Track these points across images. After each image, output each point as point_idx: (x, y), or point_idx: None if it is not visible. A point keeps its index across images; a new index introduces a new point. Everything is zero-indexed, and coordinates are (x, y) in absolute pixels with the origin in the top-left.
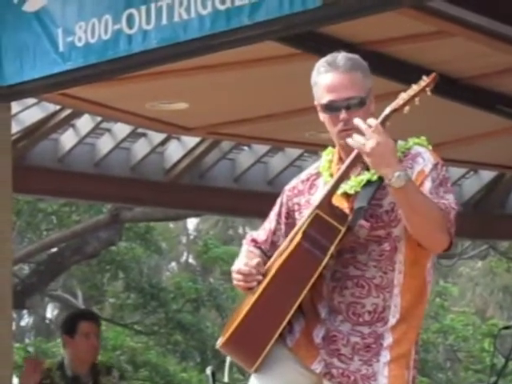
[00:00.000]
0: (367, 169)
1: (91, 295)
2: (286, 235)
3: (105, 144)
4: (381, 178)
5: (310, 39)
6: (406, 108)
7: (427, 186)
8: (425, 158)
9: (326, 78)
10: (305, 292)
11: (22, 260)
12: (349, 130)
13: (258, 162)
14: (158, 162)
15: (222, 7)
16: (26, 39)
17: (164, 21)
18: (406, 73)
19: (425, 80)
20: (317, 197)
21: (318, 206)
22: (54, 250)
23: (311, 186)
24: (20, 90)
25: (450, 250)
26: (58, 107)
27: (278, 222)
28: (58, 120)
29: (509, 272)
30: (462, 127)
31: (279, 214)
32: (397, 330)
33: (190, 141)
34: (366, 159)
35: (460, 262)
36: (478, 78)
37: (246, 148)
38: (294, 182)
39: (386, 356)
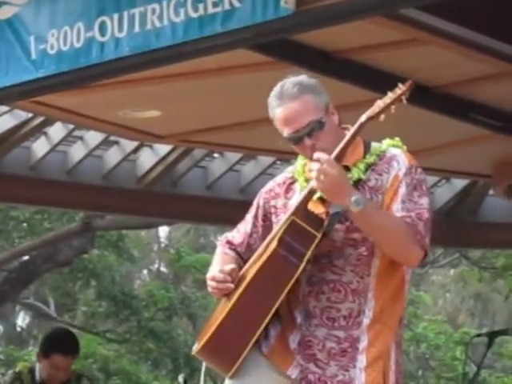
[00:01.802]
0: None
1: (63, 303)
2: (263, 238)
3: (77, 152)
4: (356, 183)
5: (282, 47)
6: (382, 116)
7: (401, 191)
8: (399, 162)
9: (280, 111)
10: (281, 298)
11: None
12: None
13: (231, 169)
14: (130, 170)
15: (194, 15)
16: None
17: (136, 28)
18: (379, 81)
19: (401, 88)
20: (293, 202)
21: (294, 213)
22: (26, 257)
23: (288, 190)
24: None
25: (425, 259)
26: (30, 115)
27: (255, 225)
28: (30, 128)
29: (481, 282)
30: (434, 135)
31: (256, 217)
32: (371, 330)
33: (163, 149)
34: (320, 192)
35: (432, 270)
36: (450, 86)
37: (218, 156)
38: (270, 185)
39: (362, 361)
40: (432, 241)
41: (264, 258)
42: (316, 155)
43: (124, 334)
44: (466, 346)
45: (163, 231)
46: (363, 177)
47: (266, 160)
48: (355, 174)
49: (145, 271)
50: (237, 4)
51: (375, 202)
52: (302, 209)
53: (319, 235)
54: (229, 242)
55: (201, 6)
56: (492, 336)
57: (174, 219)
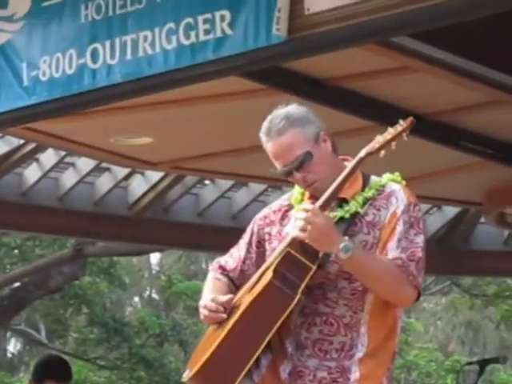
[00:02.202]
0: (340, 205)
1: (54, 329)
2: (257, 264)
3: (69, 178)
4: (353, 216)
5: (274, 74)
6: (382, 152)
7: (398, 229)
8: (398, 198)
9: (268, 147)
10: (274, 329)
11: None
12: (311, 184)
13: (222, 196)
14: (121, 197)
15: (186, 42)
16: None
17: (128, 55)
18: (370, 109)
19: (401, 124)
20: (288, 229)
21: (289, 244)
22: (17, 284)
23: (283, 217)
24: None
25: (419, 298)
26: (21, 141)
27: (249, 251)
28: (22, 154)
29: (472, 309)
30: (425, 163)
31: (250, 243)
32: (364, 365)
33: (154, 175)
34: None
35: (423, 298)
36: (441, 114)
37: (209, 183)
38: (265, 212)
39: None
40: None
41: (259, 288)
42: (302, 206)
43: (115, 361)
44: (457, 374)
45: (154, 258)
46: (361, 210)
47: (257, 187)
48: (353, 207)
49: (136, 298)
50: (228, 31)
51: (364, 245)
52: (297, 241)
53: (314, 267)
54: (221, 267)
55: (193, 34)
56: (483, 364)
57: (165, 246)
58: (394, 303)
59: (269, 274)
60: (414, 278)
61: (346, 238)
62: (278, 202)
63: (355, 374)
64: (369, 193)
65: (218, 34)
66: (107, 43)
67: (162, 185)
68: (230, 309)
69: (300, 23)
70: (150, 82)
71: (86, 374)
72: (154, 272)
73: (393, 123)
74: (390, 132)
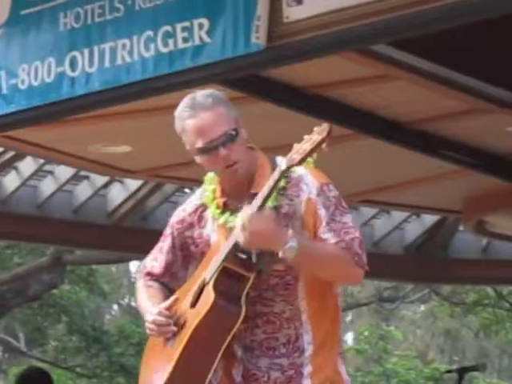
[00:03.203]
0: None
1: (33, 338)
2: (185, 266)
3: (47, 186)
4: (275, 209)
5: (253, 82)
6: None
7: (322, 214)
8: (308, 184)
9: (193, 122)
10: (226, 344)
11: None
12: (233, 165)
13: None
14: (100, 205)
15: (164, 50)
16: None
17: (107, 63)
18: (350, 116)
19: (317, 131)
20: (208, 231)
21: (225, 258)
22: None
23: (200, 219)
24: None
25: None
26: (0, 149)
27: (175, 254)
28: (1, 162)
29: (452, 317)
30: (404, 171)
31: (174, 247)
32: (316, 359)
33: (133, 183)
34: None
35: (402, 306)
36: (420, 122)
37: (188, 191)
38: (181, 215)
39: None
40: (401, 277)
41: (204, 310)
42: (240, 215)
43: (94, 369)
44: (436, 382)
45: (134, 266)
46: (277, 204)
47: None
48: (269, 203)
49: (115, 306)
50: (207, 39)
51: (306, 236)
52: (231, 253)
53: (252, 275)
54: (149, 274)
55: (171, 42)
56: (462, 372)
57: (144, 254)
58: (342, 284)
59: (211, 294)
60: (359, 257)
61: (290, 232)
62: (192, 202)
63: (307, 369)
64: (279, 184)
65: (197, 41)
66: (86, 51)
67: (141, 193)
68: (175, 319)
69: (279, 31)
70: (129, 90)
71: (65, 382)
72: (133, 280)
73: (372, 131)
74: (308, 141)
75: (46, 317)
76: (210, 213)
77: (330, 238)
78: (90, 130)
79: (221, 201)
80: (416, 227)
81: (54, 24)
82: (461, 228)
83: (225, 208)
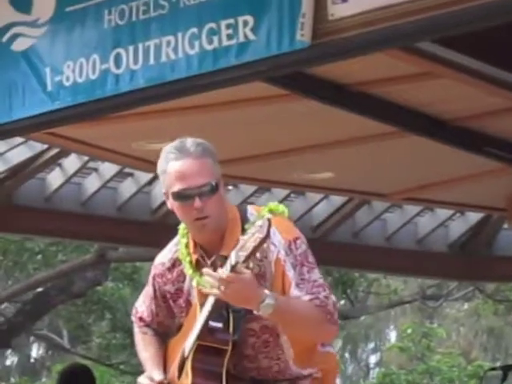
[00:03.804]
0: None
1: (77, 335)
2: (170, 316)
3: (91, 183)
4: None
5: (298, 80)
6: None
7: (290, 275)
8: (276, 244)
9: (177, 165)
10: None
11: (8, 299)
12: (204, 218)
13: (244, 201)
14: (144, 202)
15: (209, 47)
16: (15, 78)
17: (151, 61)
18: (394, 114)
19: (259, 226)
20: (187, 286)
21: (198, 338)
22: (40, 289)
23: (179, 274)
24: (8, 129)
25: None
26: (45, 146)
27: (158, 305)
28: (45, 159)
29: (496, 314)
30: (448, 169)
31: (156, 298)
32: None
33: None
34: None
35: (446, 304)
36: (465, 119)
37: (231, 188)
38: (160, 269)
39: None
40: (446, 274)
41: None
42: (218, 272)
43: (138, 366)
44: (480, 380)
45: None
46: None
47: (280, 192)
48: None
49: None
50: (251, 36)
51: (284, 297)
52: (204, 328)
53: (230, 347)
54: (141, 319)
55: (215, 39)
56: (506, 370)
57: None
58: (316, 341)
59: (188, 376)
60: (331, 316)
61: (267, 292)
62: (169, 256)
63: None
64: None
65: (241, 39)
66: (130, 48)
67: None
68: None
69: (324, 29)
70: (173, 87)
71: (108, 379)
72: None
73: (416, 129)
74: (251, 237)
75: (89, 314)
76: (185, 270)
77: (303, 296)
78: (135, 127)
79: (194, 257)
80: (460, 225)
81: (98, 21)
82: (505, 226)
83: (197, 266)
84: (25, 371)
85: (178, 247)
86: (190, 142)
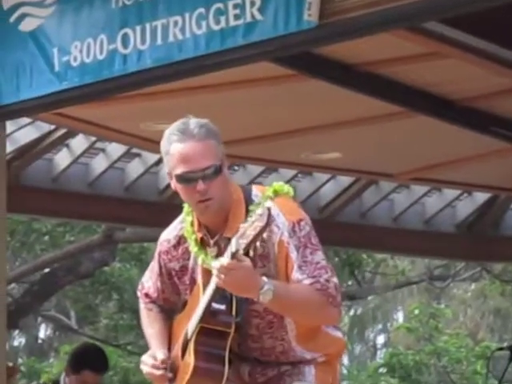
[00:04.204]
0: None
1: (84, 315)
2: (175, 292)
3: (99, 164)
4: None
5: (305, 60)
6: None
7: (293, 257)
8: (279, 225)
9: (180, 147)
10: None
11: (15, 280)
12: (207, 200)
13: (252, 182)
14: (152, 182)
15: (216, 27)
16: (23, 59)
17: (159, 41)
18: (401, 94)
19: (259, 215)
20: (192, 264)
21: (200, 320)
22: (48, 270)
23: (184, 251)
24: (16, 110)
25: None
26: (52, 127)
27: (163, 282)
28: (53, 139)
29: (503, 295)
30: (456, 149)
31: (161, 275)
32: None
33: None
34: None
35: (453, 284)
36: (472, 99)
37: (238, 168)
38: (165, 246)
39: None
40: (453, 255)
41: (186, 376)
42: (213, 263)
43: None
44: (487, 360)
45: None
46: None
47: (287, 172)
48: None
49: None
50: (258, 16)
51: (283, 283)
52: (207, 311)
53: (232, 329)
54: (147, 295)
55: (222, 19)
56: None
57: None
58: (318, 324)
59: (191, 358)
60: (333, 298)
61: (265, 279)
62: (174, 233)
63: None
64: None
65: (248, 19)
66: (138, 28)
67: None
68: (169, 365)
69: (331, 9)
70: (180, 68)
71: (116, 360)
72: None
73: (424, 109)
74: (251, 225)
75: (97, 294)
76: (190, 248)
77: (304, 279)
78: (142, 107)
79: (198, 235)
80: (467, 205)
81: (105, 1)
82: None
83: (202, 244)
84: (32, 352)
85: (183, 225)
86: (193, 123)
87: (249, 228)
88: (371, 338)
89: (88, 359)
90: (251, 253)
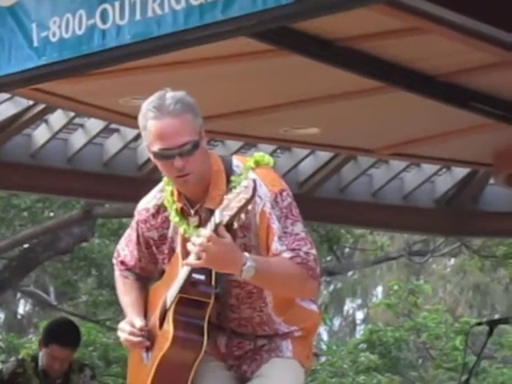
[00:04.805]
0: (211, 216)
1: (64, 291)
2: (152, 261)
3: (78, 139)
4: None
5: (283, 35)
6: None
7: (275, 227)
8: (261, 196)
9: (156, 124)
10: (192, 373)
11: None
12: (186, 175)
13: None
14: (131, 158)
15: (195, 2)
16: (1, 34)
17: (138, 16)
18: (380, 69)
19: (244, 187)
20: (171, 233)
21: (180, 290)
22: (27, 245)
23: (163, 220)
24: None
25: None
26: (30, 102)
27: (140, 250)
28: (31, 115)
29: (482, 270)
30: (435, 124)
31: (139, 244)
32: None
33: None
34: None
35: (432, 259)
36: (451, 74)
37: (217, 143)
38: (144, 215)
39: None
40: (432, 230)
41: (164, 345)
42: (193, 239)
43: None
44: (466, 335)
45: None
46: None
47: (266, 148)
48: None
49: None
50: None
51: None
52: (187, 281)
53: (212, 300)
54: (123, 263)
55: None
56: (492, 324)
57: None
58: (298, 297)
59: (170, 328)
60: (313, 271)
61: (247, 255)
62: (154, 202)
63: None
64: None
65: None
66: (116, 4)
67: None
68: (146, 333)
69: None
70: (159, 43)
71: (95, 336)
72: None
73: (403, 84)
74: (236, 197)
75: (76, 270)
76: (171, 217)
77: (283, 251)
78: (121, 82)
79: (178, 205)
80: (446, 180)
81: None
82: (491, 181)
83: (183, 214)
84: (12, 327)
85: (162, 194)
86: (168, 98)
87: (233, 200)
88: (350, 314)
89: (56, 333)
90: (235, 224)
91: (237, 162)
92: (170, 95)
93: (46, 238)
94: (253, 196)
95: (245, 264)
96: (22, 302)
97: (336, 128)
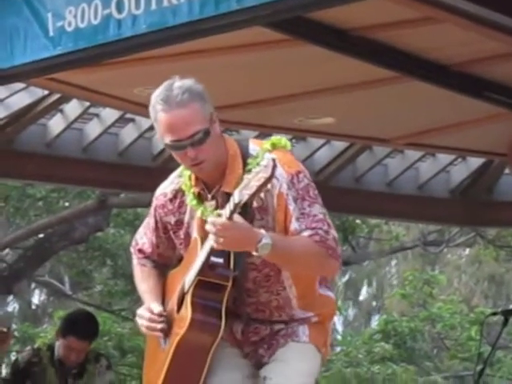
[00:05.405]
0: (228, 199)
1: (78, 281)
2: (171, 247)
3: (93, 129)
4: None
5: (298, 25)
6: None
7: (291, 208)
8: (278, 177)
9: (165, 117)
10: (210, 357)
11: (9, 245)
12: (200, 163)
13: None
14: (146, 148)
15: None
16: (17, 24)
17: (153, 5)
18: (395, 59)
19: (263, 166)
20: (188, 218)
21: (199, 273)
22: (42, 235)
23: (180, 205)
24: (10, 75)
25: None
26: (46, 92)
27: (159, 236)
28: (46, 105)
29: (497, 260)
30: (450, 114)
31: (157, 229)
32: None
33: None
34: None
35: (447, 250)
36: (466, 64)
37: (235, 133)
38: (162, 200)
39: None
40: (447, 220)
41: (182, 329)
42: (210, 220)
43: None
44: (481, 325)
45: None
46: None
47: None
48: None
49: None
50: None
51: (281, 235)
52: (206, 263)
53: (230, 283)
54: (141, 251)
55: None
56: (507, 314)
57: None
58: (318, 275)
59: (188, 311)
60: (333, 250)
61: (263, 232)
62: (171, 187)
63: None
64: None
65: None
66: None
67: None
68: (165, 319)
69: None
70: (175, 32)
71: (110, 326)
72: None
73: (418, 74)
74: (255, 176)
75: (91, 260)
76: (188, 201)
77: (302, 231)
78: (136, 72)
79: (196, 190)
80: (461, 170)
81: None
82: (506, 171)
83: (200, 198)
84: (26, 317)
85: (180, 179)
86: (176, 88)
87: (253, 179)
88: (365, 304)
89: (74, 325)
90: (255, 203)
91: (253, 145)
92: (178, 85)
93: (61, 227)
94: (272, 174)
95: (260, 241)
96: (36, 291)
97: (351, 118)
